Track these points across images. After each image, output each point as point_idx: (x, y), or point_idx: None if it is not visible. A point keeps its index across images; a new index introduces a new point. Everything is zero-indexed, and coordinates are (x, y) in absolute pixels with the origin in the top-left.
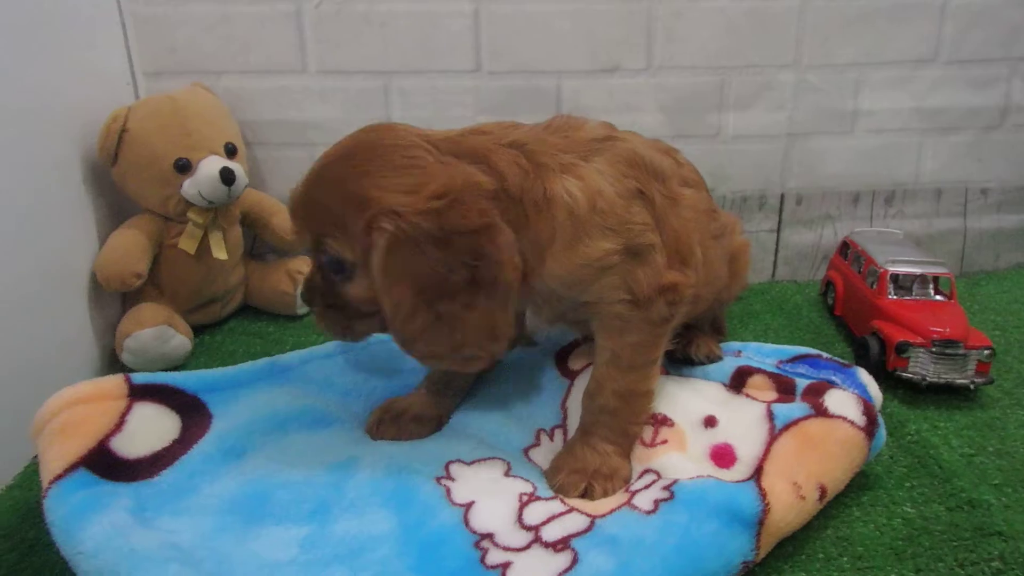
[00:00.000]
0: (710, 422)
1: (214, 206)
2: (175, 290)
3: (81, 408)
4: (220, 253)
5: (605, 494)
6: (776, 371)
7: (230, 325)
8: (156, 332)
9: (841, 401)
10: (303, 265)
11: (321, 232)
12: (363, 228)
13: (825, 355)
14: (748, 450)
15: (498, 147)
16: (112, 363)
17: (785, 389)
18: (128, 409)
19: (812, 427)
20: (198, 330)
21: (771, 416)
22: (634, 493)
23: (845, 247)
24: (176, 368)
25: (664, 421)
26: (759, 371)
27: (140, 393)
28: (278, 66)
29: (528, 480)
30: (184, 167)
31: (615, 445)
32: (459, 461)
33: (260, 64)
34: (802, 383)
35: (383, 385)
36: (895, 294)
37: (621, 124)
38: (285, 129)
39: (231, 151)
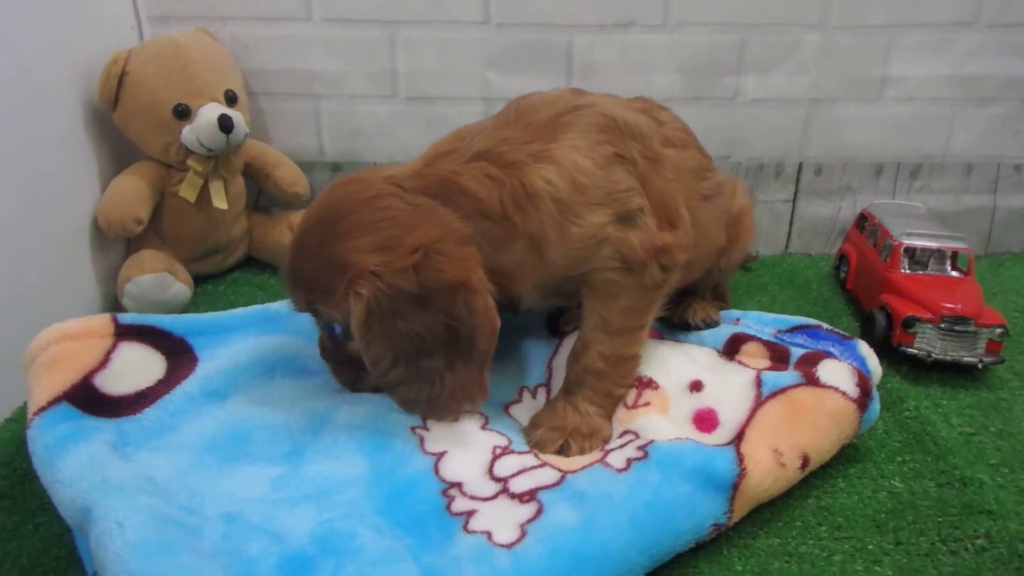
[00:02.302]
0: (696, 386)
1: (214, 154)
2: (177, 238)
3: (68, 344)
4: (220, 202)
5: (581, 452)
6: (772, 340)
7: (233, 276)
8: (156, 279)
9: (834, 371)
10: None
11: (310, 300)
12: (342, 293)
13: (825, 326)
14: (732, 415)
15: (464, 167)
16: (113, 308)
17: (779, 358)
18: (113, 347)
19: (801, 396)
20: (200, 279)
21: (759, 383)
22: (608, 452)
23: (862, 219)
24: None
25: (649, 384)
26: (754, 339)
27: (126, 333)
28: (283, 13)
29: (504, 434)
30: (183, 113)
31: (597, 406)
32: None
33: (266, 11)
34: (797, 352)
35: None
36: (909, 268)
37: (634, 84)
38: (290, 79)
39: (231, 99)
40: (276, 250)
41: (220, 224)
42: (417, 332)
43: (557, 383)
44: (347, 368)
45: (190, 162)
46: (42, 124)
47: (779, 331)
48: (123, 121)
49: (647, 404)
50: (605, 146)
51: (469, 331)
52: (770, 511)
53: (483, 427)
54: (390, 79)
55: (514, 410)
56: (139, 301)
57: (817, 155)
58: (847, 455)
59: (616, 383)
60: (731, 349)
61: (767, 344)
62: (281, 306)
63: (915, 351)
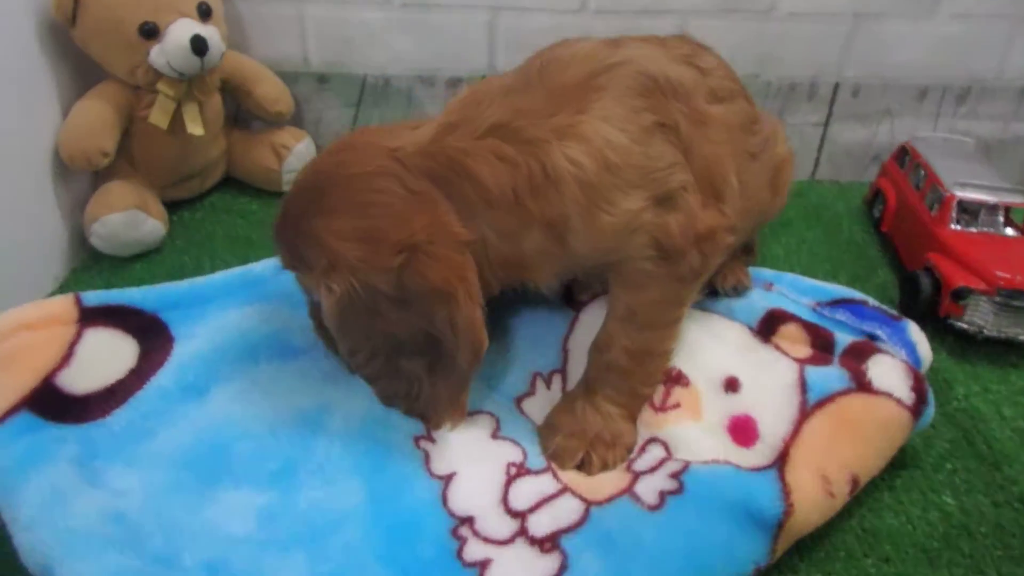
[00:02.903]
0: (731, 385)
1: (186, 77)
2: (148, 165)
3: (26, 336)
4: (196, 128)
5: (604, 466)
6: (812, 317)
7: (211, 200)
8: (126, 217)
9: (888, 372)
10: (290, 139)
11: (291, 266)
12: (318, 275)
13: (871, 301)
14: (773, 426)
15: (474, 144)
16: (81, 244)
17: (822, 345)
18: (77, 337)
19: (851, 405)
20: (176, 206)
21: (803, 386)
22: (637, 476)
23: (903, 154)
24: (150, 252)
25: (678, 379)
26: (793, 318)
27: (92, 317)
28: None
29: (518, 443)
30: (151, 32)
31: (621, 407)
32: None
33: None
34: (842, 340)
35: None
36: (959, 224)
37: None
38: None
39: (205, 12)
40: (257, 172)
41: (196, 149)
42: (394, 333)
43: (574, 368)
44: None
45: (160, 86)
46: None
47: (818, 303)
48: (83, 40)
49: (677, 406)
50: (644, 114)
51: (451, 347)
52: (809, 537)
53: (494, 435)
54: None
55: (527, 405)
56: (109, 241)
57: (856, 75)
58: (892, 459)
59: (643, 381)
60: (767, 329)
61: (807, 326)
62: (262, 268)
63: (964, 326)
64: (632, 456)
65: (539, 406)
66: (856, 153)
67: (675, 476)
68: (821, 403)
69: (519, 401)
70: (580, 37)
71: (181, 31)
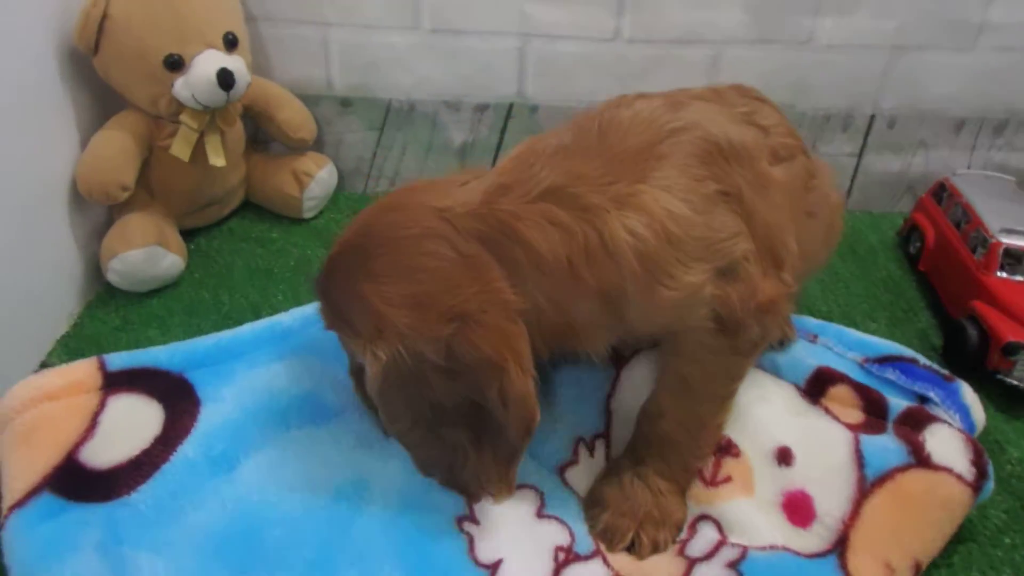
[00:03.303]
0: (784, 457)
1: (210, 110)
2: (168, 195)
3: (48, 407)
4: (218, 160)
5: (655, 548)
6: (862, 376)
7: (229, 226)
8: (145, 254)
9: (947, 445)
10: (312, 165)
11: (335, 327)
12: (364, 341)
13: (922, 360)
14: (830, 505)
15: (526, 208)
16: (96, 277)
17: (875, 410)
18: (102, 406)
19: (912, 483)
20: (193, 232)
21: (860, 459)
22: (693, 563)
23: (941, 190)
24: (167, 286)
25: (728, 449)
26: (842, 378)
27: (116, 382)
28: None
29: (564, 523)
30: (176, 64)
31: (671, 481)
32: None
33: None
34: (895, 405)
35: None
36: (1006, 271)
37: (695, 22)
38: (296, 2)
39: (231, 42)
40: (277, 198)
41: (217, 178)
42: (440, 402)
43: (618, 431)
44: None
45: (183, 117)
46: (7, 69)
47: (867, 359)
48: (105, 69)
49: (728, 480)
50: (707, 183)
51: (500, 419)
52: None
53: (539, 513)
54: (412, 7)
55: (571, 475)
56: (127, 278)
57: (892, 106)
58: None
59: (694, 454)
60: (815, 389)
61: (858, 388)
62: (291, 319)
63: (1015, 382)
64: (683, 536)
65: (583, 475)
66: (889, 184)
67: (732, 566)
68: (880, 480)
69: (562, 470)
70: (640, 95)
71: (207, 64)
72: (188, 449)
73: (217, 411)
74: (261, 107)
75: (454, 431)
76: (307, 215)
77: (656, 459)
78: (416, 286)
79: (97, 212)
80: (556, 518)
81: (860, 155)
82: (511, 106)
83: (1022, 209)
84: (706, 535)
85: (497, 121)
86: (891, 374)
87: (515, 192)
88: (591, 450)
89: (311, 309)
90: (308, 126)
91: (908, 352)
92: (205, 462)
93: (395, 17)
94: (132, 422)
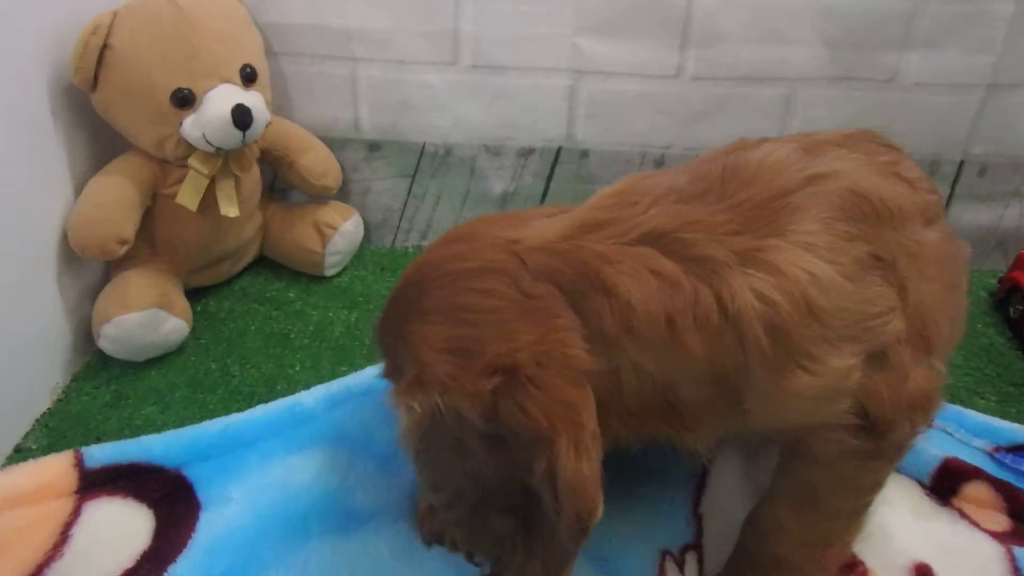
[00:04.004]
0: (923, 574)
1: (223, 152)
2: (172, 249)
3: (14, 515)
4: (230, 209)
5: None
6: (996, 470)
7: (240, 284)
8: (144, 317)
9: None
10: (337, 216)
11: (391, 376)
12: (402, 388)
13: None
14: None
15: (621, 251)
16: (87, 343)
17: (1021, 513)
18: (76, 513)
19: None
20: (200, 291)
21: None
22: None
23: None
24: (169, 354)
25: (853, 567)
26: (976, 472)
27: (95, 483)
28: None
29: None
30: (185, 100)
31: None
32: None
33: None
34: None
35: None
36: None
37: (766, 58)
38: (322, 37)
39: (249, 77)
40: (296, 253)
41: (229, 230)
42: (484, 478)
43: (712, 542)
44: None
45: (192, 161)
46: None
47: (998, 448)
48: (105, 107)
49: None
50: (857, 244)
51: (551, 510)
52: None
53: None
54: (451, 40)
55: None
56: (121, 345)
57: (985, 152)
58: None
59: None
60: (945, 487)
61: (997, 485)
62: (312, 400)
63: None
64: None
65: None
66: (978, 238)
67: None
68: None
69: None
70: (768, 139)
71: (221, 100)
72: (183, 569)
73: (221, 517)
74: (280, 151)
75: (501, 517)
76: (329, 272)
77: None
78: (463, 329)
79: (91, 269)
80: None
81: (948, 204)
82: (559, 150)
83: None
84: None
85: (543, 167)
86: None
87: (609, 230)
88: (680, 565)
89: (336, 387)
90: (333, 172)
91: None
92: None
93: (432, 52)
94: (113, 535)
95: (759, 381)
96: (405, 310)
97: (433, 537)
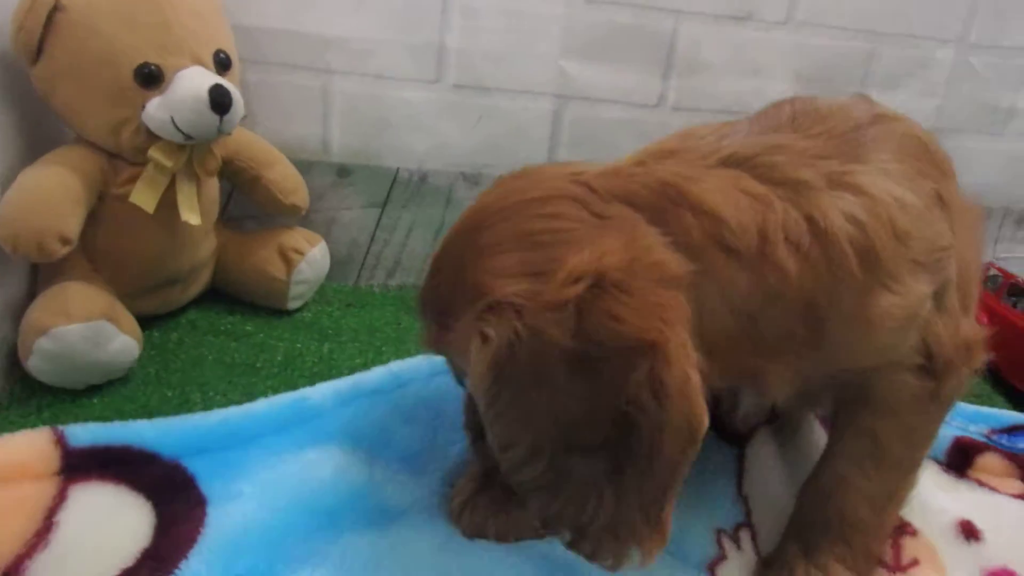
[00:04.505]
0: (970, 531)
1: (191, 143)
2: (118, 263)
3: None
4: (191, 215)
5: None
6: (1001, 446)
7: (190, 317)
8: (88, 330)
9: None
10: (303, 242)
11: (436, 335)
12: (467, 331)
13: None
14: None
15: (703, 172)
16: (10, 369)
17: None
18: (61, 498)
19: None
20: (146, 322)
21: None
22: None
23: (989, 276)
24: (113, 382)
25: (903, 527)
26: (987, 447)
27: (81, 465)
28: None
29: None
30: (151, 78)
31: (854, 572)
32: None
33: None
34: None
35: (463, 439)
36: None
37: (746, 91)
38: (293, 44)
39: (224, 63)
40: (256, 282)
41: (184, 245)
42: (569, 413)
43: (761, 519)
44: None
45: (153, 153)
46: None
47: (993, 431)
48: (48, 83)
49: (915, 563)
50: (926, 180)
51: (652, 426)
52: None
53: None
54: (435, 58)
55: (723, 572)
56: (58, 364)
57: None
58: None
59: (878, 537)
60: (960, 462)
61: (1008, 455)
62: (320, 396)
63: None
64: None
65: (737, 573)
66: None
67: None
68: None
69: (712, 568)
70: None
71: (196, 80)
72: (198, 565)
73: (235, 512)
74: (244, 162)
75: (587, 460)
76: (292, 305)
77: (836, 544)
78: (534, 252)
79: (13, 279)
80: None
81: None
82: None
83: None
84: None
85: None
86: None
87: (684, 156)
88: (737, 542)
89: (343, 384)
90: (303, 190)
91: None
92: None
93: (414, 67)
94: (108, 527)
95: (845, 304)
96: (460, 254)
97: (474, 529)
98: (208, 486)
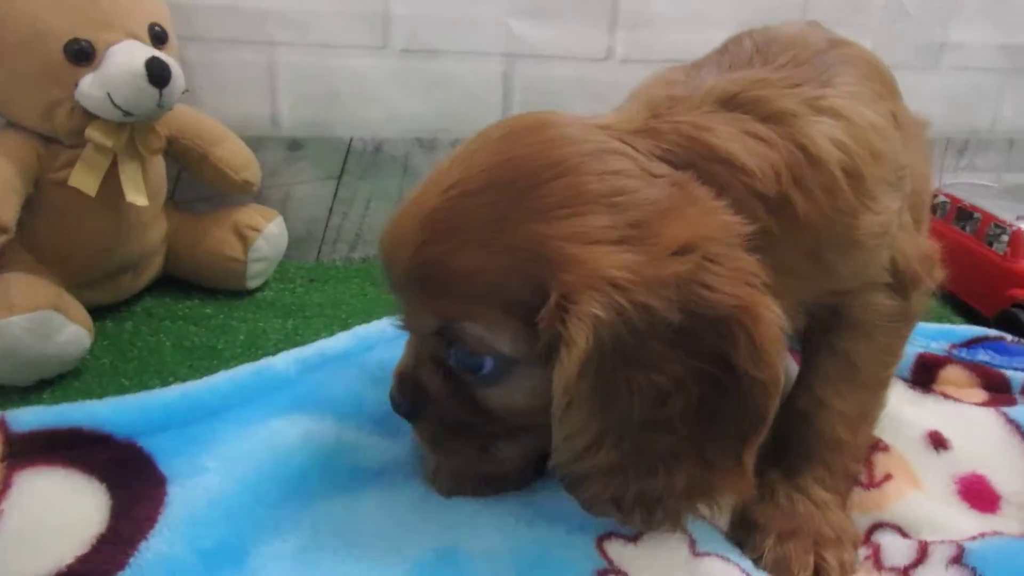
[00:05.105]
0: (939, 441)
1: (131, 120)
2: (63, 254)
3: None
4: (137, 196)
5: (843, 572)
6: (962, 359)
7: (145, 304)
8: (33, 321)
9: None
10: (259, 218)
11: (456, 312)
12: (553, 308)
13: (1009, 337)
14: (1012, 482)
15: (711, 118)
16: None
17: (995, 385)
18: (5, 485)
19: None
20: (97, 312)
21: (1017, 428)
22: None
23: (936, 204)
24: (66, 375)
25: (876, 445)
26: (948, 360)
27: (26, 450)
28: None
29: (728, 560)
30: (83, 54)
31: (834, 492)
32: (617, 536)
33: None
34: (1016, 377)
35: None
36: None
37: (692, 41)
38: (233, 19)
39: (159, 37)
40: (213, 264)
41: (133, 229)
42: (657, 389)
43: None
44: (456, 437)
45: (90, 132)
46: None
47: (953, 345)
48: None
49: (888, 477)
50: (884, 102)
51: (746, 386)
52: None
53: (693, 552)
54: (380, 24)
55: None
56: (3, 358)
57: None
58: None
59: (855, 456)
60: (924, 378)
61: (970, 367)
62: (284, 364)
63: None
64: (865, 553)
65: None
66: None
67: (957, 562)
68: None
69: None
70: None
71: (131, 53)
72: (160, 544)
73: (199, 487)
74: (190, 139)
75: (667, 435)
76: (251, 284)
77: (815, 466)
78: (619, 214)
79: None
80: (718, 556)
81: None
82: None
83: (1021, 204)
84: (896, 544)
85: None
86: (984, 355)
87: (683, 105)
88: None
89: (308, 351)
90: (253, 165)
91: (993, 331)
92: (196, 558)
93: (359, 35)
94: (59, 513)
95: (839, 230)
96: (497, 216)
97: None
98: (168, 464)
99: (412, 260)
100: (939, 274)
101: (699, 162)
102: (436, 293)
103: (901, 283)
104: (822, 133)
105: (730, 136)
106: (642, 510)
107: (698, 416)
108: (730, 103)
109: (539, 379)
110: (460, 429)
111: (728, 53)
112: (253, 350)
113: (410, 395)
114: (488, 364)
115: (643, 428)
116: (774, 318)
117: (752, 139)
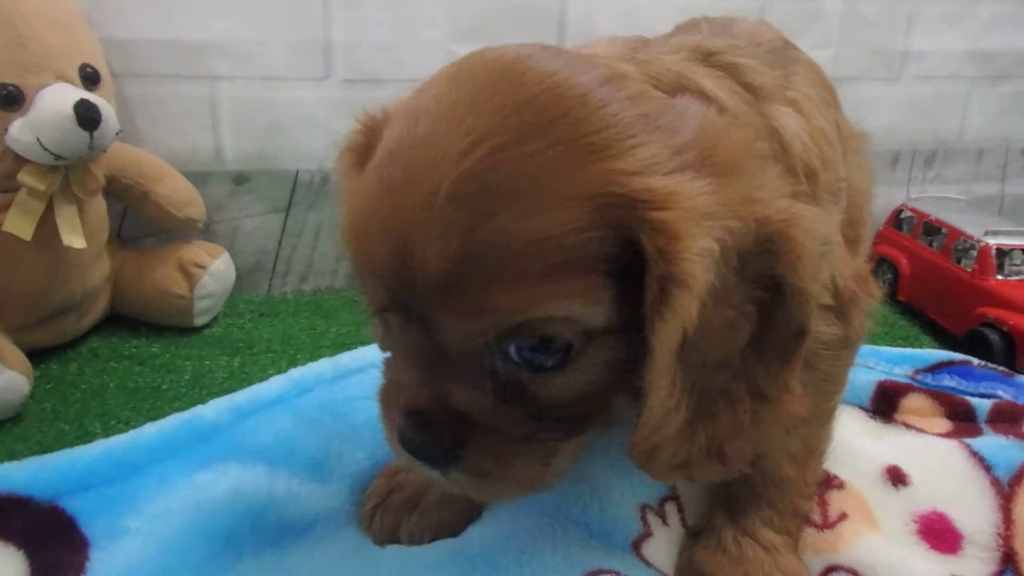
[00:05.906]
0: (897, 476)
1: (64, 163)
2: (1, 298)
3: None
4: (74, 239)
5: None
6: (926, 385)
7: (91, 345)
8: None
9: None
10: (204, 254)
11: (538, 297)
12: (657, 252)
13: (976, 361)
14: (975, 521)
15: (691, 66)
16: None
17: (960, 414)
18: None
19: None
20: (40, 355)
21: (983, 463)
22: None
23: (901, 217)
24: (2, 423)
25: (829, 481)
26: (910, 388)
27: None
28: None
29: None
30: (11, 99)
31: (784, 534)
32: None
33: None
34: (981, 405)
35: (372, 443)
36: (1006, 274)
37: None
38: (173, 53)
39: (91, 78)
40: (159, 301)
41: (72, 272)
42: (733, 323)
43: (687, 490)
44: (509, 466)
45: (23, 176)
46: None
47: (917, 371)
48: None
49: (843, 517)
50: (829, 108)
51: (789, 299)
52: None
53: None
54: (322, 53)
55: (648, 550)
56: None
57: None
58: None
59: (803, 493)
60: (885, 406)
61: (933, 395)
62: (214, 412)
63: None
64: None
65: (663, 549)
66: None
67: None
68: (1018, 478)
69: (636, 546)
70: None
71: (59, 96)
72: None
73: (119, 552)
74: (132, 178)
75: (722, 376)
76: (199, 321)
77: (762, 506)
78: (670, 139)
79: None
80: None
81: None
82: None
83: (990, 218)
84: None
85: None
86: (949, 380)
87: (660, 48)
88: (663, 517)
89: (240, 397)
90: (196, 202)
91: (958, 356)
92: None
93: (300, 66)
94: None
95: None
96: (563, 160)
97: (386, 533)
98: (90, 526)
99: (453, 251)
100: (876, 291)
101: (688, 95)
102: (500, 282)
103: (840, 303)
104: (790, 123)
105: (714, 85)
106: (713, 460)
107: (750, 346)
108: (707, 60)
109: (616, 348)
110: (518, 446)
111: (682, 31)
112: (197, 390)
113: (444, 431)
114: (561, 348)
115: (709, 370)
116: (817, 228)
117: (735, 96)
